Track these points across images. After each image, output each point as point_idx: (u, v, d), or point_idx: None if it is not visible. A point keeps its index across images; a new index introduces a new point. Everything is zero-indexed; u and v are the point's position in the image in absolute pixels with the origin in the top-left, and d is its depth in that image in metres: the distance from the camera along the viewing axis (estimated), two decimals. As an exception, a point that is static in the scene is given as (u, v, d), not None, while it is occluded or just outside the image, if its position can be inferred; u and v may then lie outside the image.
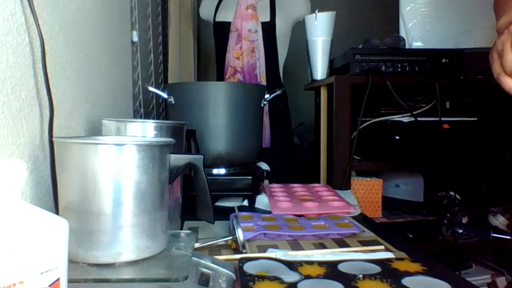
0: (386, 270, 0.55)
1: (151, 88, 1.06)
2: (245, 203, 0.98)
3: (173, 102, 0.97)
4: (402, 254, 0.64)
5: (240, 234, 0.62)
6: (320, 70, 1.52)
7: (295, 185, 1.15)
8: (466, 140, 1.37)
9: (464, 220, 1.47)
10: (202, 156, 0.56)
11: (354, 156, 1.39)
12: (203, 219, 0.60)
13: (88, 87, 0.82)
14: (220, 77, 1.69)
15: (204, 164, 0.56)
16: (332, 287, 0.50)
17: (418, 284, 0.51)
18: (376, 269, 0.55)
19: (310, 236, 0.73)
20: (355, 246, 0.68)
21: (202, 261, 0.51)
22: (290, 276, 0.52)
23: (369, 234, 0.75)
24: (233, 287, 0.51)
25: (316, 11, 1.50)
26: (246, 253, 0.63)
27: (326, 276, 0.53)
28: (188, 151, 0.84)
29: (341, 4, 2.38)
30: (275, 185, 1.14)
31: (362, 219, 0.87)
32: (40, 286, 0.30)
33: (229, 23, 1.62)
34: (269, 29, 1.62)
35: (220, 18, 1.69)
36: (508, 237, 1.33)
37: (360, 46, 1.48)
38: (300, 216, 0.84)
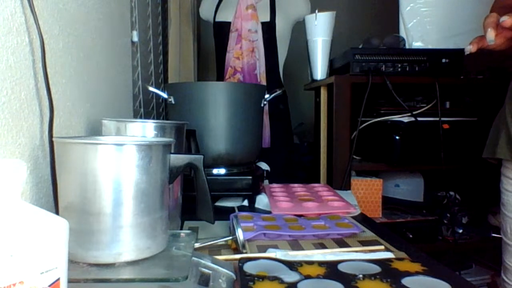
0: (386, 270, 0.55)
1: (151, 88, 1.06)
2: (245, 203, 0.98)
3: (173, 102, 0.97)
4: (402, 254, 0.64)
5: (240, 234, 0.62)
6: (320, 70, 1.52)
7: (295, 185, 1.15)
8: (466, 140, 1.37)
9: (464, 220, 1.47)
10: (202, 156, 0.56)
11: (354, 156, 1.39)
12: (203, 219, 0.60)
13: (88, 87, 0.82)
14: (220, 77, 1.69)
15: (204, 164, 0.56)
16: (332, 287, 0.50)
17: (418, 284, 0.51)
18: (376, 269, 0.55)
19: (310, 236, 0.73)
20: (355, 246, 0.68)
21: (202, 261, 0.51)
22: (290, 276, 0.52)
23: (369, 234, 0.75)
24: (233, 287, 0.51)
25: (316, 11, 1.50)
26: (246, 253, 0.63)
27: (326, 276, 0.53)
28: (188, 151, 0.84)
29: (341, 4, 2.39)
30: (275, 185, 1.14)
31: (362, 219, 0.87)
32: (40, 286, 0.30)
33: (229, 23, 1.62)
34: (269, 29, 1.62)
35: (220, 18, 1.69)
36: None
37: (360, 46, 1.48)
38: (300, 216, 0.84)
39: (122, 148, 0.47)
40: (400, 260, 0.59)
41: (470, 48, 0.78)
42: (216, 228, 0.74)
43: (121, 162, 0.46)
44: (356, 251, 0.65)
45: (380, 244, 0.69)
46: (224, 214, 0.78)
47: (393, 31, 1.55)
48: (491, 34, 0.73)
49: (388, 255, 0.63)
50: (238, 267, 0.55)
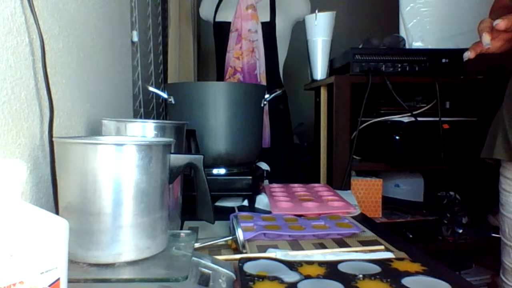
0: (386, 270, 0.55)
1: (151, 88, 1.06)
2: (245, 203, 0.98)
3: (173, 102, 0.97)
4: (402, 254, 0.64)
5: (240, 234, 0.62)
6: (320, 70, 1.52)
7: (295, 185, 1.15)
8: (466, 140, 1.37)
9: (464, 220, 1.47)
10: (202, 156, 0.56)
11: (354, 156, 1.39)
12: (203, 219, 0.60)
13: (88, 87, 0.82)
14: (220, 77, 1.69)
15: (204, 164, 0.56)
16: (332, 287, 0.50)
17: (418, 284, 0.51)
18: (376, 269, 0.55)
19: (310, 236, 0.73)
20: (355, 246, 0.68)
21: (202, 261, 0.51)
22: (290, 276, 0.52)
23: (369, 234, 0.75)
24: (233, 287, 0.51)
25: (316, 11, 1.50)
26: (246, 253, 0.63)
27: (326, 276, 0.53)
28: (188, 151, 0.84)
29: (341, 4, 2.39)
30: (275, 185, 1.14)
31: (362, 219, 0.87)
32: (40, 286, 0.30)
33: (229, 23, 1.62)
34: (269, 29, 1.62)
35: (220, 18, 1.69)
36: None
37: (360, 46, 1.48)
38: (300, 216, 0.84)
39: (122, 148, 0.47)
40: (400, 260, 0.59)
41: (468, 55, 0.79)
42: (216, 228, 0.74)
43: (121, 162, 0.46)
44: (356, 251, 0.65)
45: (380, 244, 0.69)
46: (224, 214, 0.78)
47: (393, 31, 1.55)
48: (486, 38, 0.74)
49: (388, 255, 0.63)
50: (238, 267, 0.55)
